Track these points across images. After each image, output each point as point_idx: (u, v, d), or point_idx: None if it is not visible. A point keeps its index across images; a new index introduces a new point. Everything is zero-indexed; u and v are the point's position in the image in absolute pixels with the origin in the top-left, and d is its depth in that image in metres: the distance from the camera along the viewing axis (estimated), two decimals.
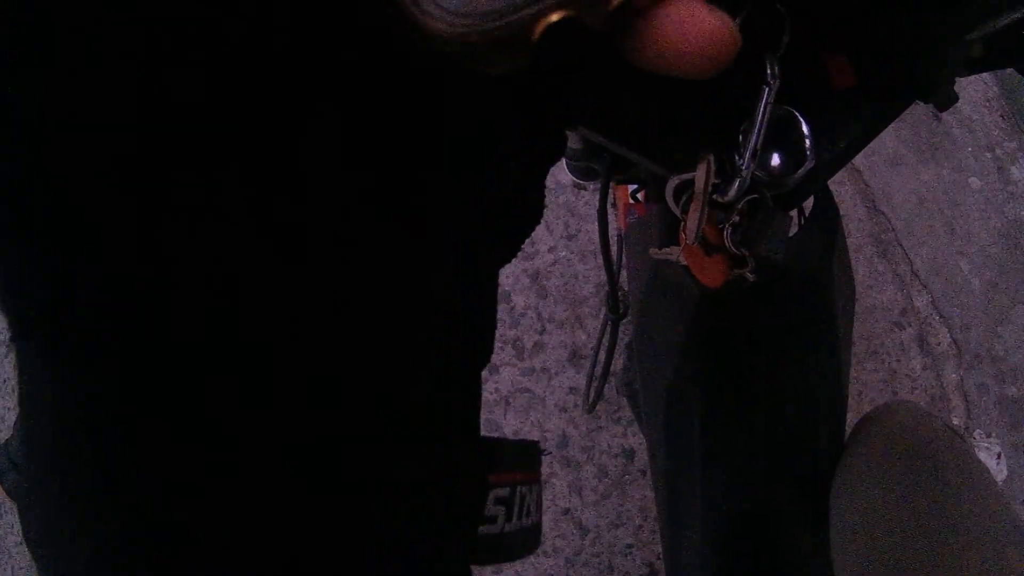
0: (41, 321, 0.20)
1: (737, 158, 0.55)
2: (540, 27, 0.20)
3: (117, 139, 0.18)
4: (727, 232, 0.60)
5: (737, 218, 0.59)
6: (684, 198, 0.60)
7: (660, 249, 0.68)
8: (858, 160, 1.88)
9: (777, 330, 0.75)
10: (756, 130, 0.53)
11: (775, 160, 0.60)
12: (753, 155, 0.54)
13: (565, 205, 1.74)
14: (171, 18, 0.18)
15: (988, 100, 2.12)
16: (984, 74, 2.12)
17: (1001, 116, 2.11)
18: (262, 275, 0.20)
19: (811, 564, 0.85)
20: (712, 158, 0.53)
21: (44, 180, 0.19)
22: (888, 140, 1.96)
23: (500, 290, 1.68)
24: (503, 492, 0.30)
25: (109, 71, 0.18)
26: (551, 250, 1.73)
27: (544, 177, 0.28)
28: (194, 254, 0.19)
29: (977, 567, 0.67)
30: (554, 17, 0.20)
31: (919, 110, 2.03)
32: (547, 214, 1.73)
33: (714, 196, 0.57)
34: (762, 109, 0.52)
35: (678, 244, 0.65)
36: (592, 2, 0.20)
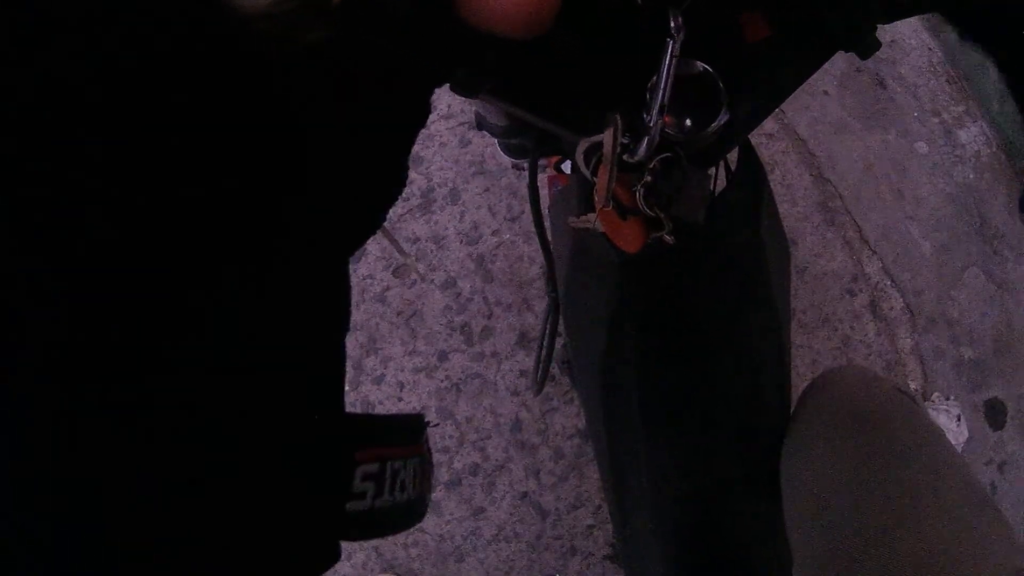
0: None
1: (645, 116, 0.53)
2: None
3: None
4: (640, 193, 0.58)
5: (650, 178, 0.57)
6: (594, 161, 0.58)
7: (578, 217, 0.66)
8: (802, 129, 1.87)
9: (706, 294, 0.73)
10: (661, 85, 0.51)
11: (690, 117, 0.58)
12: (660, 111, 0.52)
13: (507, 187, 1.72)
14: None
15: (933, 65, 2.12)
16: (929, 40, 2.13)
17: (947, 81, 2.12)
18: None
19: (767, 536, 0.84)
20: (619, 118, 0.51)
21: None
22: (832, 108, 1.96)
23: (446, 276, 1.67)
24: (372, 468, 0.29)
25: None
26: (495, 233, 1.71)
27: (408, 148, 0.29)
28: None
29: (936, 531, 0.66)
30: None
31: (864, 77, 2.03)
32: (489, 197, 1.72)
33: (624, 157, 0.55)
34: (667, 64, 0.50)
35: (594, 211, 0.63)
36: None
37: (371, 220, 0.29)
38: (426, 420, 0.36)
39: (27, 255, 0.19)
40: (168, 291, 0.22)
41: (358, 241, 0.28)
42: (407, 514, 0.32)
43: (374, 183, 0.28)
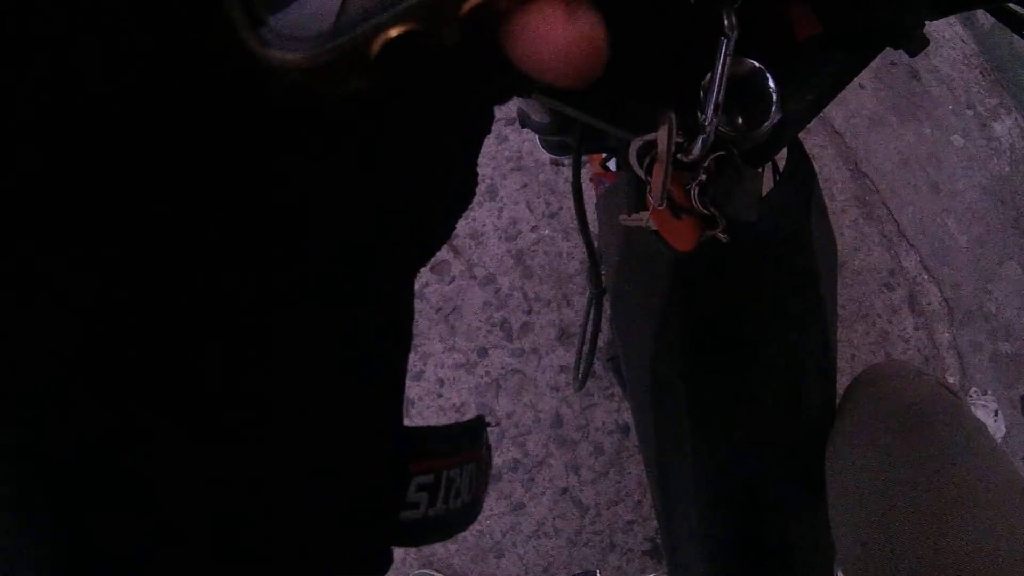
0: None
1: (700, 115, 0.53)
2: (377, 45, 0.19)
3: None
4: (694, 192, 0.58)
5: (704, 177, 0.58)
6: (648, 160, 0.58)
7: (629, 216, 0.66)
8: (839, 123, 1.87)
9: (756, 292, 0.73)
10: (716, 84, 0.51)
11: (743, 116, 0.59)
12: (715, 110, 0.52)
13: (545, 183, 1.73)
14: None
15: (967, 57, 2.11)
16: (962, 31, 2.11)
17: (981, 73, 2.10)
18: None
19: (810, 532, 0.84)
20: (673, 116, 0.51)
21: None
22: (868, 101, 1.95)
23: (484, 272, 1.67)
24: (426, 479, 0.31)
25: None
26: (533, 229, 1.72)
27: (476, 155, 0.29)
28: None
29: (982, 525, 0.66)
30: (392, 33, 0.19)
31: (898, 71, 2.02)
32: (527, 193, 1.73)
33: (678, 156, 0.56)
34: (721, 62, 0.51)
35: (647, 209, 0.64)
36: (434, 13, 0.19)
37: (444, 229, 0.29)
38: (486, 422, 0.37)
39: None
40: (248, 309, 0.23)
41: (432, 252, 0.29)
42: (461, 519, 0.33)
43: (445, 192, 0.28)
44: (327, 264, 0.26)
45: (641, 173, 0.60)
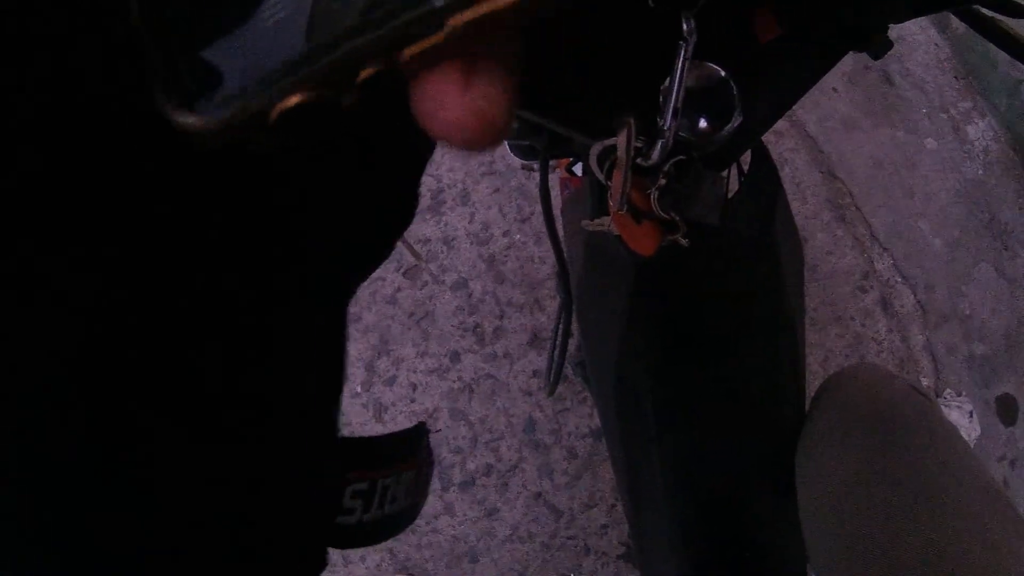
0: None
1: (659, 119, 0.53)
2: (276, 112, 0.20)
3: None
4: (654, 196, 0.58)
5: (664, 181, 0.57)
6: (608, 164, 0.58)
7: (592, 220, 0.66)
8: (812, 126, 1.87)
9: (720, 296, 0.73)
10: (675, 88, 0.51)
11: (704, 120, 0.59)
12: (674, 114, 0.52)
13: (517, 188, 1.73)
14: None
15: (940, 61, 2.12)
16: (936, 36, 2.12)
17: (955, 76, 2.11)
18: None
19: (781, 533, 0.84)
20: (632, 121, 0.51)
21: None
22: (841, 105, 1.96)
23: (456, 277, 1.67)
24: (362, 487, 0.31)
25: None
26: (505, 234, 1.71)
27: (418, 179, 0.30)
28: None
29: (950, 527, 0.66)
30: (291, 102, 0.20)
31: (871, 74, 2.03)
32: (499, 197, 1.72)
33: (638, 160, 0.55)
34: (680, 66, 0.51)
35: (608, 214, 0.63)
36: (330, 83, 0.20)
37: (382, 249, 0.30)
38: (426, 429, 0.38)
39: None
40: (190, 325, 0.23)
41: (369, 271, 0.30)
42: (396, 523, 0.34)
43: (383, 213, 0.29)
44: (327, 264, 0.27)
45: (602, 178, 0.59)
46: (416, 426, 0.37)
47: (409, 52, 0.20)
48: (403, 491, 0.34)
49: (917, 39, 2.12)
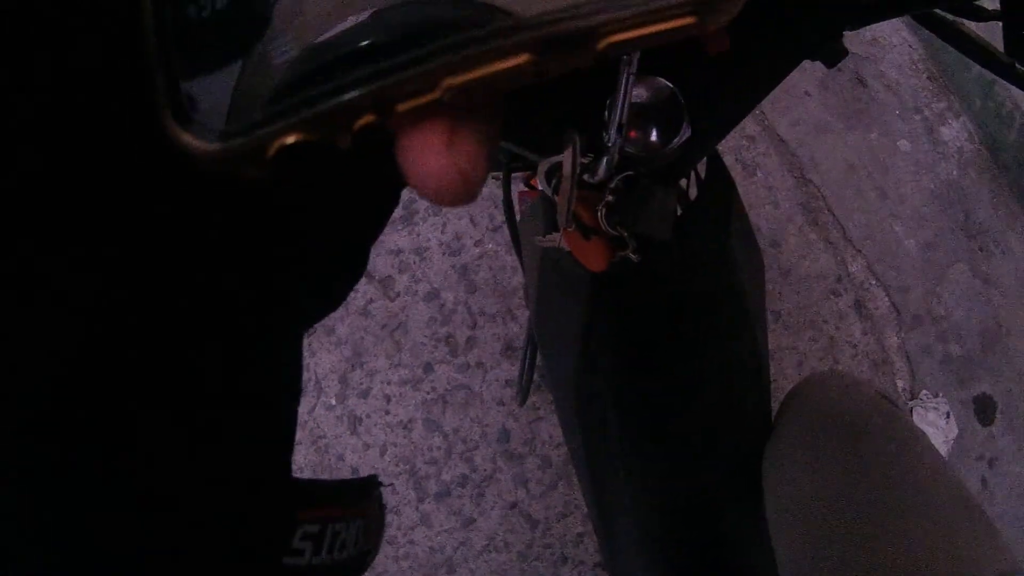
0: None
1: (604, 135, 0.53)
2: (274, 148, 0.21)
3: None
4: (601, 212, 0.58)
5: (611, 197, 0.57)
6: (555, 181, 0.58)
7: (544, 236, 0.66)
8: (783, 130, 1.87)
9: (677, 307, 0.73)
10: (619, 104, 0.51)
11: (654, 134, 0.58)
12: (618, 130, 0.51)
13: (489, 197, 1.72)
14: None
15: (914, 62, 2.12)
16: (909, 37, 2.13)
17: (928, 78, 2.12)
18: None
19: (750, 543, 0.84)
20: (578, 137, 0.51)
21: None
22: (813, 108, 1.96)
23: (428, 287, 1.66)
24: (312, 529, 0.31)
25: None
26: (477, 244, 1.71)
27: (373, 239, 0.30)
28: None
29: (918, 536, 0.66)
30: (289, 140, 0.21)
31: (844, 76, 2.03)
32: (471, 207, 1.72)
33: (585, 176, 0.55)
34: (624, 81, 0.50)
35: (559, 230, 0.63)
36: (328, 127, 0.21)
37: (332, 304, 0.30)
38: (378, 481, 0.38)
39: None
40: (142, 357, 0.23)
41: (316, 320, 0.30)
42: (344, 570, 0.33)
43: (336, 271, 0.29)
44: (327, 264, 0.28)
45: (550, 194, 0.59)
46: (367, 477, 0.37)
47: (402, 107, 0.21)
48: (353, 539, 0.34)
49: (891, 40, 2.12)
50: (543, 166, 0.58)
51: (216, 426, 0.25)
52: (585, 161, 0.54)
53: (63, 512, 0.21)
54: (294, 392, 0.29)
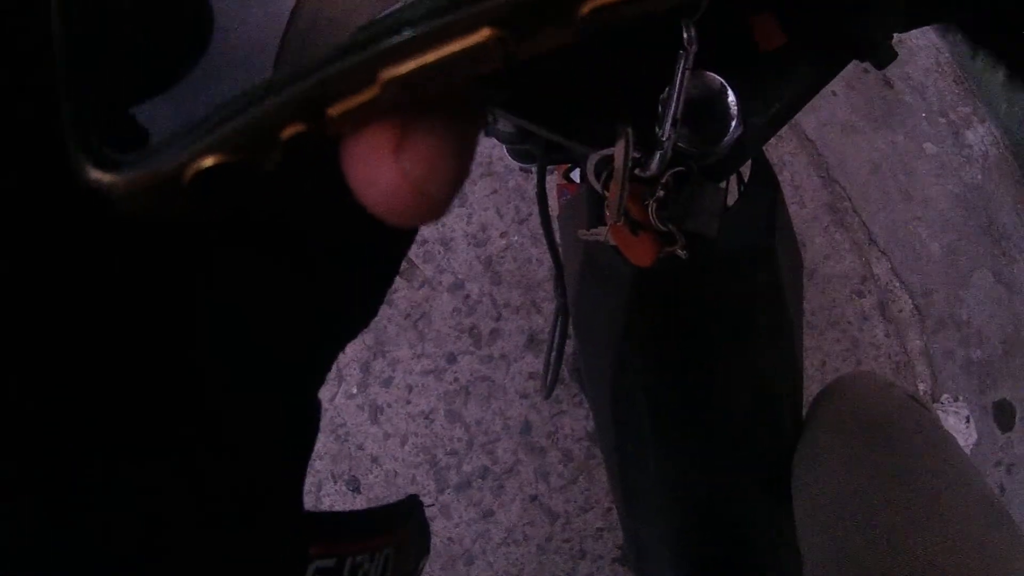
0: None
1: (658, 129, 0.52)
2: (189, 173, 0.18)
3: None
4: (652, 208, 0.57)
5: (662, 193, 0.57)
6: (605, 174, 0.58)
7: (588, 230, 0.65)
8: (811, 130, 1.87)
9: (719, 307, 0.73)
10: (674, 98, 0.50)
11: (703, 130, 0.58)
12: (673, 125, 0.51)
13: (515, 189, 1.72)
14: None
15: (940, 65, 2.11)
16: (936, 40, 2.12)
17: (954, 81, 2.11)
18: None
19: (776, 542, 0.84)
20: (630, 131, 0.50)
21: None
22: (840, 109, 1.96)
23: (453, 278, 1.66)
24: (327, 563, 0.30)
25: None
26: (503, 235, 1.71)
27: (391, 280, 0.30)
28: None
29: (947, 540, 0.66)
30: (206, 163, 0.18)
31: (871, 78, 2.02)
32: (497, 199, 1.72)
33: (635, 171, 0.55)
34: (680, 76, 0.50)
35: (605, 224, 0.63)
36: (249, 143, 0.18)
37: (337, 348, 0.29)
38: (418, 501, 0.36)
39: None
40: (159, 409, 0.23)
41: (326, 369, 0.29)
42: None
43: (347, 319, 0.29)
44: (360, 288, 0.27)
45: (599, 188, 0.59)
46: (402, 500, 0.36)
47: (334, 111, 0.17)
48: (378, 569, 0.32)
49: (918, 43, 2.11)
50: (592, 159, 0.58)
51: (214, 459, 0.25)
52: (636, 155, 0.54)
53: (63, 512, 0.21)
54: (304, 443, 0.29)
